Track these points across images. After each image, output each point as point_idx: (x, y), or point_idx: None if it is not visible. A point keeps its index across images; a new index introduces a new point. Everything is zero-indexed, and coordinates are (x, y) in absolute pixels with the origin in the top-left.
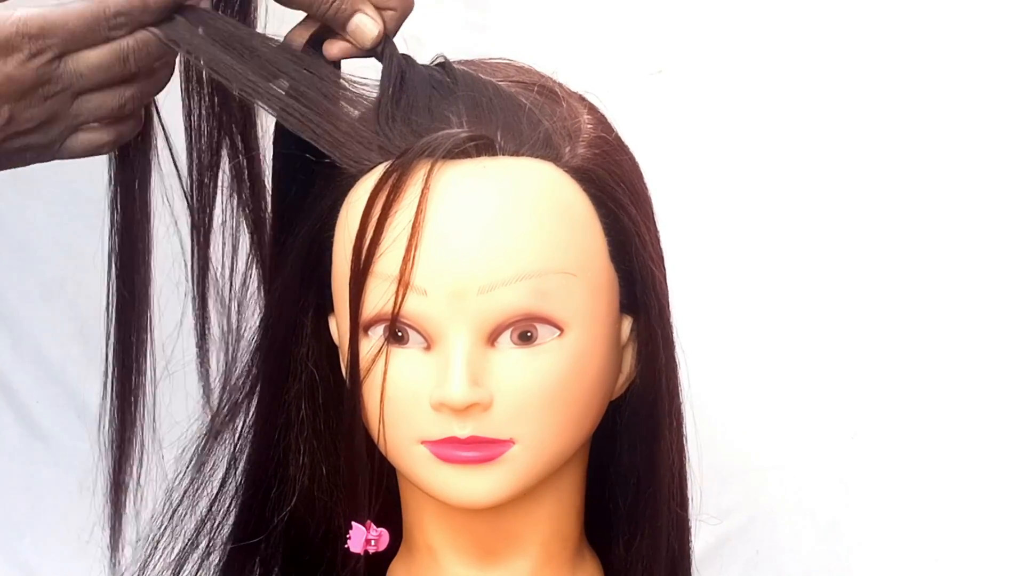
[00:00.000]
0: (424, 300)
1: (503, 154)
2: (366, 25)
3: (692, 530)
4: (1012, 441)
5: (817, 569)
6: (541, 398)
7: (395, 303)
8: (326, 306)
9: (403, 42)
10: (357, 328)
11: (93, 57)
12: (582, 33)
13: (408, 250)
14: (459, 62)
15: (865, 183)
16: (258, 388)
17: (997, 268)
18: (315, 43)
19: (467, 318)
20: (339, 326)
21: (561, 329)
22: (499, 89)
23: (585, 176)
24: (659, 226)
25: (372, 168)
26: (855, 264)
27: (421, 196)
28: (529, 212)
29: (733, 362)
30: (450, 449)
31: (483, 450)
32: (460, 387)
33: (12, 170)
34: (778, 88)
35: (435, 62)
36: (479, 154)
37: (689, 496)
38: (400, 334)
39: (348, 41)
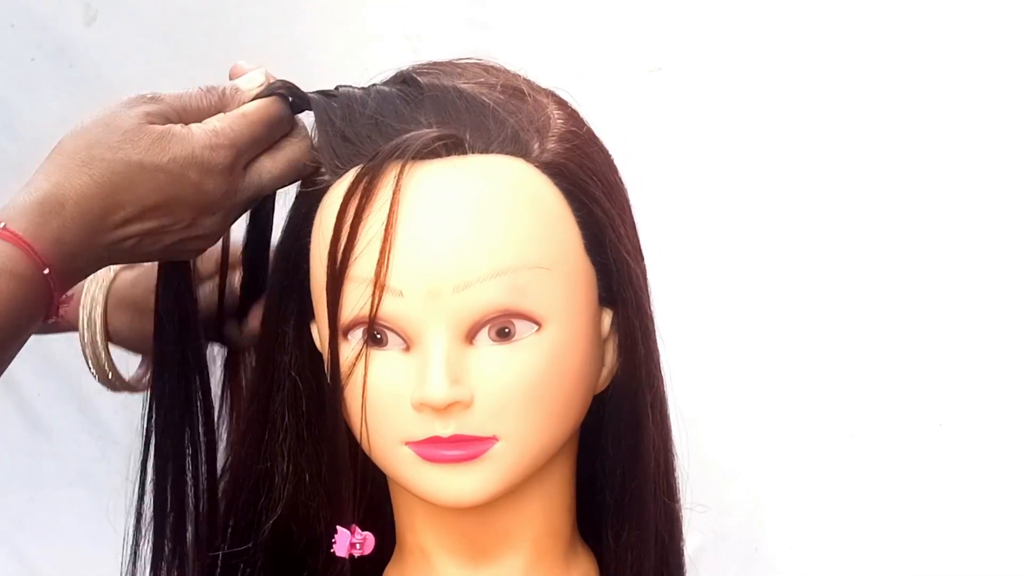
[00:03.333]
0: (401, 301)
1: (473, 152)
2: (241, 84)
3: (684, 520)
4: (1009, 442)
5: (815, 567)
6: (522, 394)
7: (372, 306)
8: (307, 314)
9: (406, 40)
10: (336, 332)
11: (275, 168)
12: (582, 30)
13: (382, 252)
14: (427, 64)
15: (861, 182)
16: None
17: (992, 269)
18: None
19: (444, 317)
20: (320, 332)
21: (539, 324)
22: (462, 91)
23: (556, 170)
24: (657, 223)
25: (344, 173)
26: (850, 262)
27: (393, 197)
28: (501, 208)
29: (735, 361)
30: (434, 449)
31: (466, 448)
32: (440, 386)
33: (13, 164)
34: (777, 85)
35: (398, 79)
36: (449, 153)
37: (679, 487)
38: (379, 336)
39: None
